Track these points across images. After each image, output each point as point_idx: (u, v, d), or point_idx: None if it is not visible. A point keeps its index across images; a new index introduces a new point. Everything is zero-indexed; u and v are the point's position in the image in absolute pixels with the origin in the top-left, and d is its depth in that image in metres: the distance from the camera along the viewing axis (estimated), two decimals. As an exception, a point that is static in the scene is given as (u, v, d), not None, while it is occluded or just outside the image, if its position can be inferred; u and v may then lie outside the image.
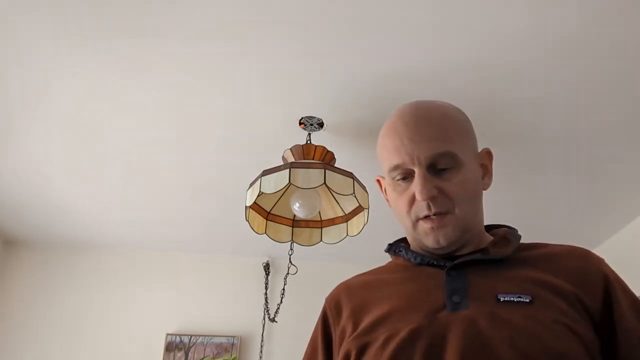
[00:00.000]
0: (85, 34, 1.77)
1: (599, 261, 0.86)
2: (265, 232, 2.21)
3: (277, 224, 2.26)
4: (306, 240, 2.27)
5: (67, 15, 1.70)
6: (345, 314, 0.89)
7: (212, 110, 2.15)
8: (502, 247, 0.86)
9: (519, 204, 2.77)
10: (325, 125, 2.18)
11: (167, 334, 3.20)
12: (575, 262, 0.84)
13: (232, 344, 3.21)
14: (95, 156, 2.46)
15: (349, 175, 1.96)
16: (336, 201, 2.22)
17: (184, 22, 1.73)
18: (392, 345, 0.77)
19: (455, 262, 0.84)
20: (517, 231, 0.92)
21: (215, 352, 3.19)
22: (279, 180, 1.90)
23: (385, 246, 0.97)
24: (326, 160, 2.09)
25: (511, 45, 1.79)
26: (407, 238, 0.95)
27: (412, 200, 0.86)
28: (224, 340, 3.22)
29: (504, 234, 0.90)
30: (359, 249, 2.98)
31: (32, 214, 2.99)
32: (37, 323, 3.21)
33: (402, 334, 0.77)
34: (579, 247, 0.88)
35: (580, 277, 0.81)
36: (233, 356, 3.18)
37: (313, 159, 2.07)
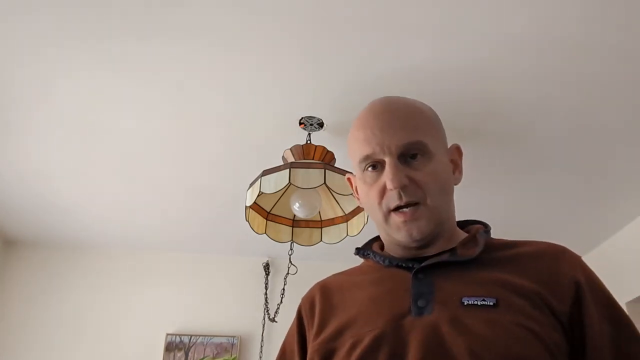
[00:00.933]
0: (85, 34, 1.77)
1: (573, 261, 0.84)
2: (265, 232, 2.21)
3: (277, 224, 2.26)
4: (306, 240, 2.27)
5: (67, 16, 1.70)
6: (316, 316, 0.89)
7: (212, 110, 2.15)
8: (471, 247, 0.85)
9: (518, 204, 2.77)
10: (325, 125, 2.18)
11: (167, 334, 3.20)
12: (547, 263, 0.82)
13: (232, 344, 3.21)
14: (95, 156, 2.46)
15: (349, 175, 1.96)
16: (336, 201, 2.22)
17: (183, 23, 1.73)
18: (356, 353, 0.77)
19: (422, 264, 0.83)
20: (489, 229, 0.91)
21: (215, 352, 3.19)
22: (279, 180, 1.90)
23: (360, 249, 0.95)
24: (326, 160, 2.09)
25: (511, 46, 1.79)
26: (380, 234, 0.94)
27: (383, 191, 0.85)
28: (224, 340, 3.22)
29: (475, 233, 0.89)
30: (359, 249, 2.98)
31: (32, 214, 2.99)
32: (37, 323, 3.21)
33: (366, 340, 0.77)
34: (554, 246, 0.87)
35: (549, 278, 0.79)
36: (233, 356, 3.18)
37: (313, 159, 2.07)
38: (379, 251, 0.92)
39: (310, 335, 0.88)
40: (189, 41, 1.80)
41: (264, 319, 3.30)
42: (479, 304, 0.76)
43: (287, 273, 3.22)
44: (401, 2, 1.64)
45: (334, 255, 3.19)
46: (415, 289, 0.80)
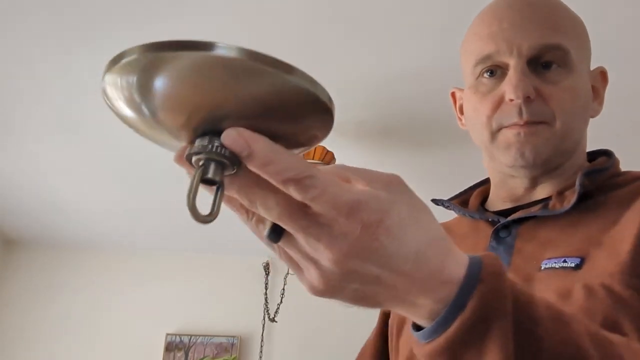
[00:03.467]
0: (84, 33, 1.77)
1: None
2: (265, 232, 2.21)
3: (277, 224, 2.26)
4: (306, 240, 2.28)
5: (66, 15, 1.70)
6: None
7: (212, 110, 2.15)
8: (568, 196, 0.65)
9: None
10: (325, 125, 2.18)
11: (167, 334, 3.20)
12: None
13: (232, 344, 3.21)
14: (95, 156, 2.46)
15: (349, 175, 1.96)
16: (336, 201, 2.22)
17: (183, 22, 1.73)
18: None
19: (501, 222, 0.67)
20: (606, 166, 0.68)
21: (215, 352, 3.19)
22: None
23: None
24: (326, 160, 2.09)
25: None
26: (486, 166, 0.75)
27: (499, 102, 0.66)
28: (224, 340, 3.22)
29: (582, 175, 0.65)
30: (359, 249, 2.98)
31: (32, 214, 2.99)
32: (36, 323, 3.21)
33: None
34: None
35: None
36: (233, 356, 3.18)
37: (313, 159, 2.07)
38: (458, 203, 0.76)
39: None
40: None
41: (264, 319, 3.30)
42: (557, 267, 0.60)
43: (287, 273, 3.23)
44: (402, 3, 1.64)
45: (334, 255, 3.20)
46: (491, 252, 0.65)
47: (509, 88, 0.64)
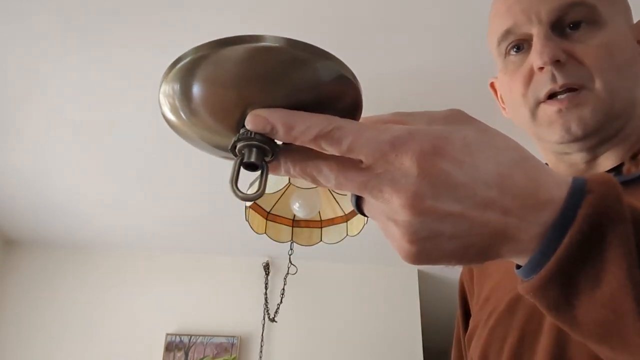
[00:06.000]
0: (86, 32, 1.77)
1: None
2: (265, 232, 2.21)
3: (277, 224, 2.26)
4: (306, 240, 2.28)
5: (68, 14, 1.70)
6: (475, 281, 0.74)
7: (212, 110, 2.15)
8: None
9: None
10: (325, 125, 2.18)
11: (167, 334, 3.20)
12: None
13: (232, 344, 3.21)
14: (95, 156, 2.46)
15: (349, 175, 1.96)
16: (336, 201, 2.22)
17: (184, 22, 1.73)
18: (492, 320, 0.62)
19: None
20: None
21: (215, 352, 3.19)
22: (279, 180, 1.90)
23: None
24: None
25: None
26: (538, 148, 0.69)
27: (530, 75, 0.63)
28: (224, 340, 3.22)
29: None
30: (359, 249, 2.98)
31: (32, 214, 2.99)
32: (36, 323, 3.21)
33: (502, 305, 0.62)
34: None
35: None
36: (233, 356, 3.18)
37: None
38: None
39: (472, 302, 0.74)
40: (186, 41, 1.80)
41: (264, 319, 3.30)
42: None
43: (287, 273, 3.23)
44: (402, 3, 1.64)
45: (334, 255, 3.20)
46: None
47: (534, 56, 0.60)
